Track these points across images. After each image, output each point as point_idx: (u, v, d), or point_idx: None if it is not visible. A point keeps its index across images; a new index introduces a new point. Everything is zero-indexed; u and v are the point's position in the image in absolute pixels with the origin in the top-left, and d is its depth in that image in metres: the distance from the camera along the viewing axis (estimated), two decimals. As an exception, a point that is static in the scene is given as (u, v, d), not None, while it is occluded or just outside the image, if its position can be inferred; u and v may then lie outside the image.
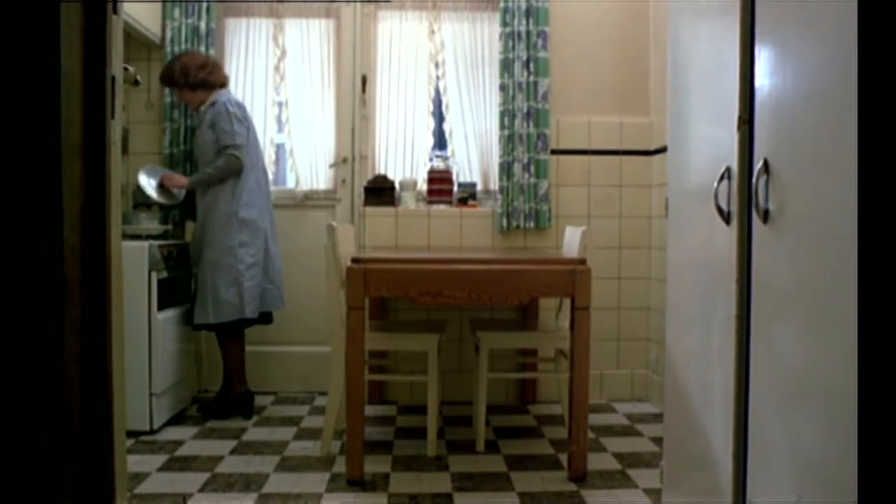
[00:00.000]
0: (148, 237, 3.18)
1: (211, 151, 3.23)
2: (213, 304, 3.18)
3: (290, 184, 3.89)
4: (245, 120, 3.27)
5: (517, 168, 3.57)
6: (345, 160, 3.77)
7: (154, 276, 2.99)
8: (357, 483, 2.46)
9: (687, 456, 1.95)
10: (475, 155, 3.78)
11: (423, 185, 3.74)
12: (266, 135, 3.71)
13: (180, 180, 3.30)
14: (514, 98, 3.56)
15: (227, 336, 3.29)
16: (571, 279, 2.49)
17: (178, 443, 2.92)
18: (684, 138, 1.99)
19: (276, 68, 3.74)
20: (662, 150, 3.37)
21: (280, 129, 3.88)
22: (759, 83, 1.53)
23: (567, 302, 2.77)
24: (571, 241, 3.10)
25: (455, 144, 3.77)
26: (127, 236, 2.86)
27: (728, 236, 1.65)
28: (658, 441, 2.86)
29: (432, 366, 2.81)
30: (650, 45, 3.70)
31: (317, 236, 3.60)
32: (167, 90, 3.54)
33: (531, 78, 3.56)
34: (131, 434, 2.89)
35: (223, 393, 3.33)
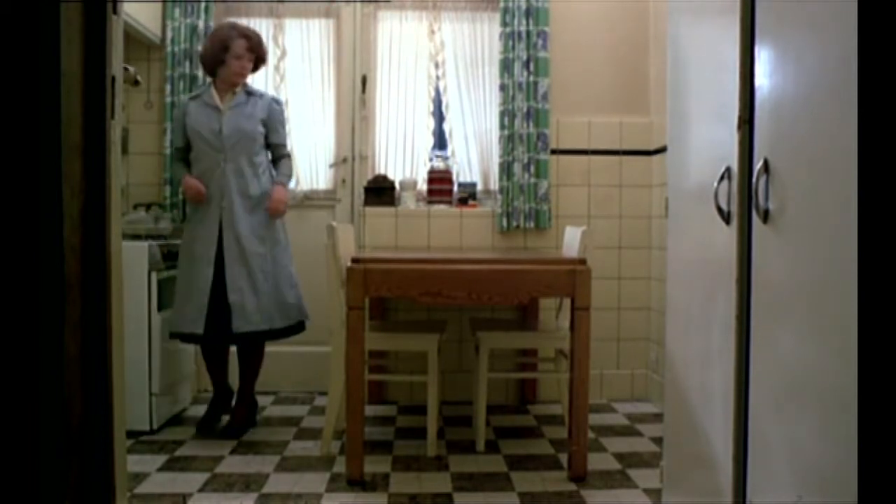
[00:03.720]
0: (148, 237, 3.18)
1: (256, 142, 3.02)
2: (277, 307, 3.00)
3: (290, 184, 3.87)
4: None
5: (517, 168, 3.57)
6: (345, 160, 3.77)
7: (154, 276, 2.99)
8: (357, 483, 2.46)
9: (687, 456, 1.95)
10: (475, 155, 3.78)
11: (423, 185, 3.74)
12: (266, 135, 3.71)
13: (282, 194, 3.08)
14: (514, 98, 3.56)
15: (261, 344, 3.12)
16: (571, 279, 2.49)
17: (178, 443, 2.92)
18: (684, 138, 1.99)
19: (276, 68, 3.74)
20: (662, 150, 3.37)
21: (280, 129, 3.87)
22: (759, 83, 1.53)
23: (567, 302, 2.77)
24: (571, 241, 3.10)
25: (455, 144, 3.77)
26: (127, 236, 2.86)
27: (728, 236, 1.65)
28: (658, 441, 2.86)
29: (432, 366, 2.81)
30: (650, 45, 3.69)
31: (317, 236, 3.60)
32: (167, 90, 3.54)
33: (531, 78, 3.55)
34: (131, 434, 2.88)
35: (248, 405, 3.12)
